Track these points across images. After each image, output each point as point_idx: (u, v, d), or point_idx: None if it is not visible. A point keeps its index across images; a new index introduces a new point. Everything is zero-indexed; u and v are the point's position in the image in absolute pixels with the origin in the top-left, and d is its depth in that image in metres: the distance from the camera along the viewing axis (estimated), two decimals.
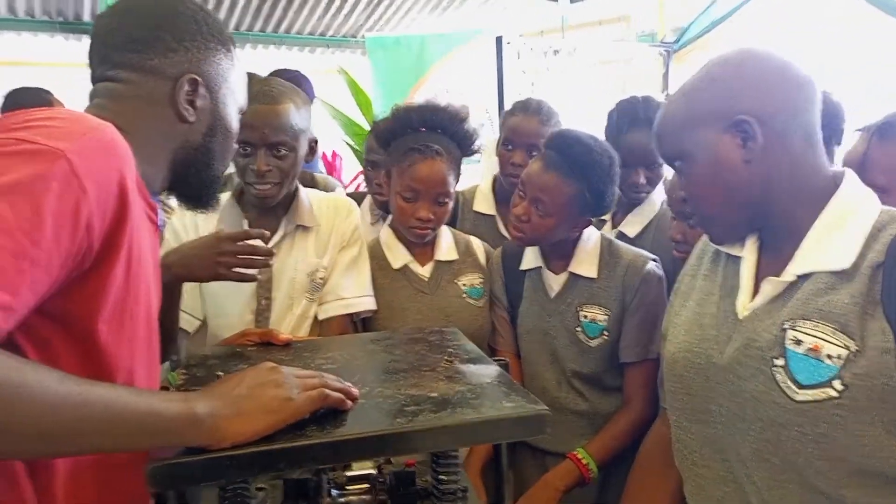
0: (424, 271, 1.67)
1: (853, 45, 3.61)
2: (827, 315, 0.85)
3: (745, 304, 0.95)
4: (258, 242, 1.26)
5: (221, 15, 4.55)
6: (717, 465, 0.96)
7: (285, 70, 2.70)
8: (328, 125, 4.31)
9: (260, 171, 1.40)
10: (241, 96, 1.02)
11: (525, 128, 1.93)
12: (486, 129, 4.14)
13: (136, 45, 0.90)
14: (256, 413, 0.76)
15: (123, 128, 0.84)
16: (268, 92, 1.41)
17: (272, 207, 1.49)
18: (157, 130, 0.91)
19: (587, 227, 1.60)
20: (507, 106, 3.42)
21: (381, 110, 4.22)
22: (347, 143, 4.64)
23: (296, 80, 2.70)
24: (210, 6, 4.40)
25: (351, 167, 4.77)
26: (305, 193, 1.56)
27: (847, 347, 0.82)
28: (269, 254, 1.27)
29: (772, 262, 0.95)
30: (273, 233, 1.49)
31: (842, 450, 0.82)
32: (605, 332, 1.55)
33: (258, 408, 0.77)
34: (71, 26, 4.45)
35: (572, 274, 1.59)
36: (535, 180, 1.52)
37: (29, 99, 2.58)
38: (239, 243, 1.22)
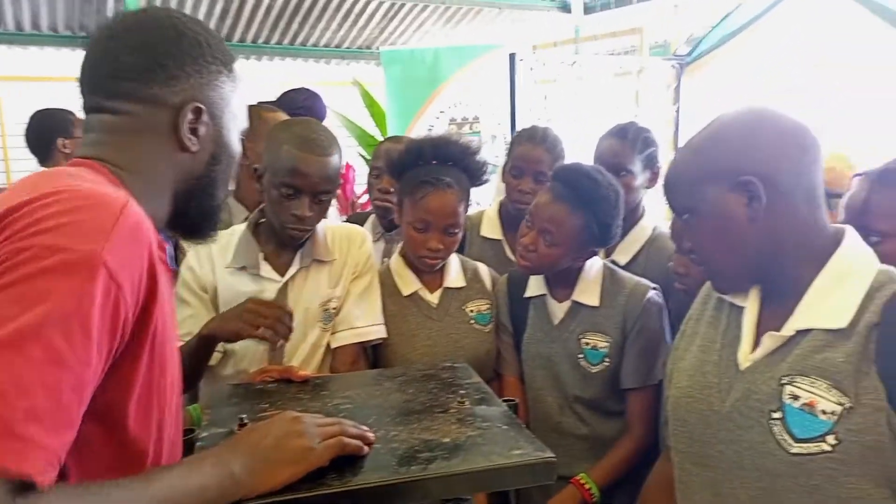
0: (433, 298, 1.71)
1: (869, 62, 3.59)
2: (823, 372, 0.88)
3: (745, 355, 0.99)
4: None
5: (238, 28, 4.62)
6: None
7: (298, 90, 2.77)
8: (341, 137, 4.37)
9: (304, 216, 1.46)
10: (242, 119, 0.96)
11: (532, 156, 1.98)
12: (500, 143, 4.19)
13: (134, 72, 0.83)
14: (282, 464, 0.81)
15: (126, 167, 0.82)
16: (318, 142, 1.47)
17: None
18: (159, 165, 0.86)
19: (591, 257, 1.64)
20: (520, 121, 3.50)
21: (396, 123, 4.27)
22: (361, 155, 4.70)
23: (309, 99, 2.78)
24: (228, 20, 4.48)
25: (364, 179, 4.82)
26: (322, 226, 1.61)
27: (841, 404, 0.86)
28: (289, 330, 1.32)
29: (773, 314, 0.99)
30: (288, 265, 1.55)
31: (834, 501, 0.86)
32: (607, 359, 1.60)
33: (283, 459, 0.82)
34: None
35: (575, 302, 1.64)
36: (544, 212, 1.57)
37: (54, 121, 2.66)
38: (268, 310, 1.30)
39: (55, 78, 4.45)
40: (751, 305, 1.02)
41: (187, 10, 4.24)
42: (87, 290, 0.63)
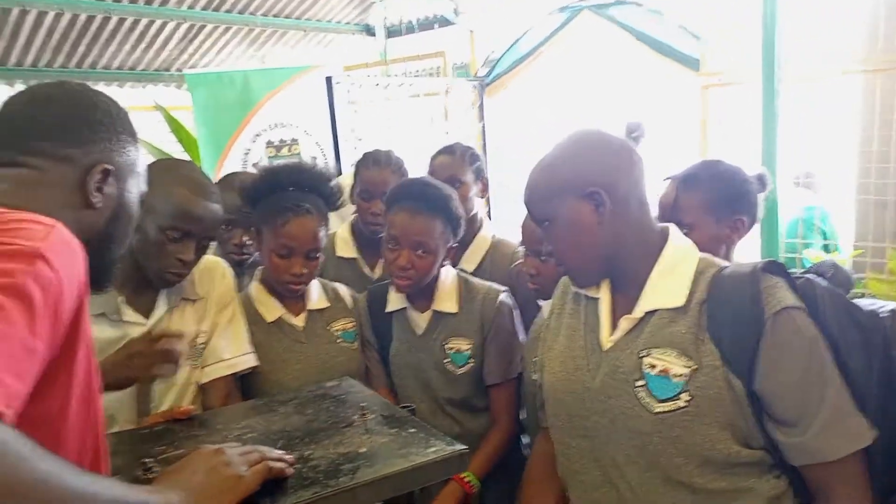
0: (299, 321, 1.74)
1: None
2: (671, 343, 1.08)
3: (607, 338, 1.16)
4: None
5: (16, 52, 4.17)
6: (596, 472, 1.16)
7: None
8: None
9: (188, 261, 1.43)
10: (143, 184, 1.06)
11: (380, 179, 2.08)
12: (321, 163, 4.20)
13: (52, 134, 0.92)
14: (216, 495, 0.83)
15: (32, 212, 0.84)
16: (209, 187, 1.46)
17: (150, 282, 1.48)
18: (63, 216, 0.87)
19: (447, 258, 1.77)
20: (341, 141, 3.57)
21: (208, 148, 4.10)
22: None
23: None
24: (2, 42, 4.02)
25: None
26: None
27: (689, 367, 1.06)
28: (181, 355, 1.29)
29: (623, 301, 1.17)
30: (151, 306, 1.48)
31: (691, 447, 1.05)
32: (471, 360, 1.74)
33: (216, 490, 0.83)
34: None
35: (436, 311, 1.76)
36: (410, 228, 1.67)
37: None
38: (154, 346, 1.26)
39: None
40: (604, 296, 1.20)
41: None
42: (28, 270, 0.67)
